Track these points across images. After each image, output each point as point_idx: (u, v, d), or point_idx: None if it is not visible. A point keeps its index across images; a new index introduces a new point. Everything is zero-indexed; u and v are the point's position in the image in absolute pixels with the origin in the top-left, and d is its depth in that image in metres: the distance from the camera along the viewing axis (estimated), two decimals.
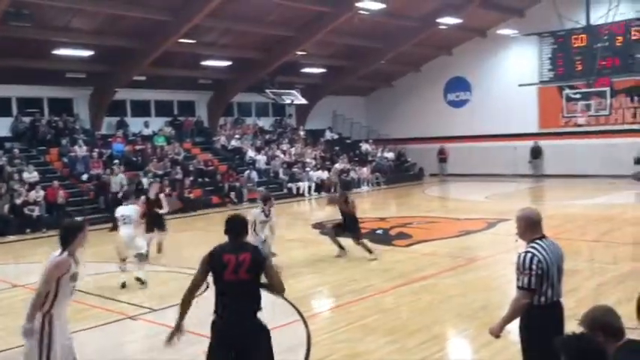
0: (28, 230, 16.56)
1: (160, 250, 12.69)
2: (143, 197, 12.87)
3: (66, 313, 4.79)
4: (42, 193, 17.72)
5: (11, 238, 15.93)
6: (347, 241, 11.54)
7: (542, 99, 27.30)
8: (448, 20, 24.32)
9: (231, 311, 4.37)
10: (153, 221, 12.37)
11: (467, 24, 25.87)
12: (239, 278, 4.34)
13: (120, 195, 13.58)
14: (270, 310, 7.90)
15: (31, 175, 18.61)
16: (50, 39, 19.36)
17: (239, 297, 4.37)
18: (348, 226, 11.50)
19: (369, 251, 11.23)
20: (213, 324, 4.44)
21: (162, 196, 13.09)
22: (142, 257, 9.93)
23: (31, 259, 12.43)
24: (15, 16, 16.59)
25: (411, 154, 31.60)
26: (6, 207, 16.71)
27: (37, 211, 17.15)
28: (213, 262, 4.44)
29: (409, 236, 13.82)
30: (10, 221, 16.59)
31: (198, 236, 15.99)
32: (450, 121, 30.45)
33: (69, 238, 4.76)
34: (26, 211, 16.96)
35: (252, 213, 10.03)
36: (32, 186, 17.92)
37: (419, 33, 26.28)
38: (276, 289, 4.59)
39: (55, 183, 18.43)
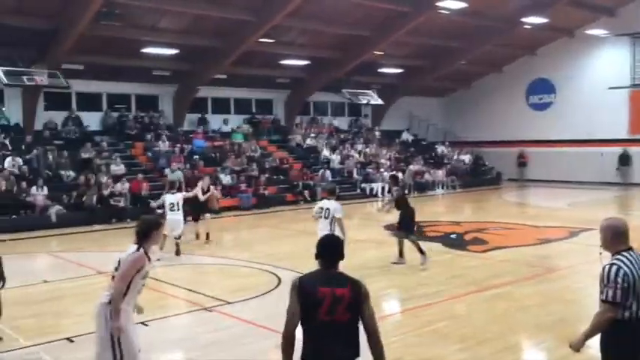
0: (113, 220, 17.40)
1: (203, 237, 13.85)
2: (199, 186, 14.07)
3: (131, 309, 4.92)
4: (127, 185, 18.57)
5: (97, 227, 16.78)
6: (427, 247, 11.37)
7: (633, 103, 25.90)
8: (533, 20, 23.51)
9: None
10: (194, 210, 14.02)
11: (553, 23, 24.88)
12: (335, 319, 3.60)
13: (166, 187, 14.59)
14: None
15: (118, 167, 19.56)
16: (139, 38, 20.26)
17: (335, 341, 3.60)
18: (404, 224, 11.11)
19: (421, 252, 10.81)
20: None
21: (213, 190, 14.69)
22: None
23: (116, 248, 12.97)
24: (107, 15, 17.47)
25: (488, 157, 30.78)
26: (94, 197, 17.63)
27: (122, 203, 18.01)
28: (303, 296, 3.63)
29: (484, 242, 13.46)
30: (96, 211, 17.48)
31: (271, 233, 16.27)
32: (532, 125, 29.42)
33: (145, 234, 4.88)
34: (112, 201, 17.84)
35: (331, 206, 9.49)
36: (118, 178, 18.81)
37: (502, 33, 25.56)
38: (370, 329, 3.71)
39: (140, 176, 19.28)
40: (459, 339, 6.86)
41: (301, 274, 3.78)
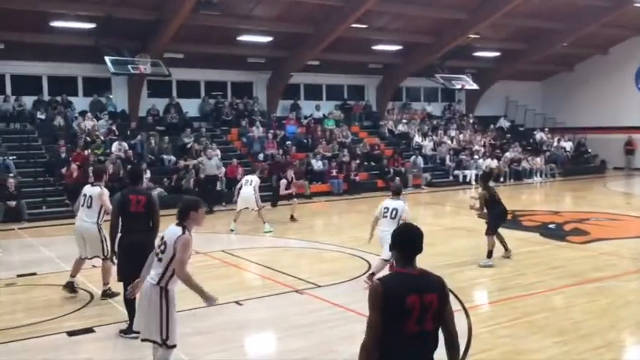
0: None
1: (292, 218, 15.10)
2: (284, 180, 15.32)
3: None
4: (223, 169, 19.23)
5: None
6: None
7: None
8: None
9: None
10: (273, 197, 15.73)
11: None
12: (424, 329, 3.19)
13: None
14: None
15: (215, 152, 20.26)
16: (235, 26, 20.83)
17: (424, 353, 3.25)
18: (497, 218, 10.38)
19: (505, 248, 10.42)
20: None
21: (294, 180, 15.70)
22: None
23: (211, 230, 13.56)
24: (205, 5, 18.11)
25: (591, 144, 29.11)
26: (191, 181, 18.40)
27: (218, 186, 18.68)
28: (389, 306, 3.15)
29: (586, 233, 12.80)
30: (194, 194, 18.25)
31: (361, 218, 16.27)
32: None
33: (185, 215, 5.01)
34: (209, 185, 18.54)
35: (399, 205, 8.73)
36: None
37: (608, 13, 23.98)
38: (452, 332, 3.34)
39: (235, 161, 19.89)
40: (556, 332, 6.59)
41: (381, 278, 3.34)
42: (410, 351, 3.16)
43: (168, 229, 5.06)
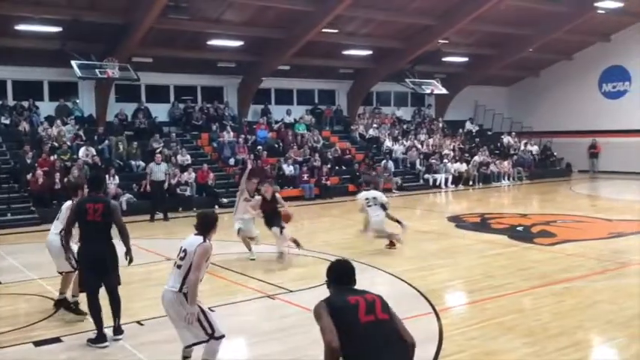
0: (180, 209, 17.91)
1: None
2: (259, 197, 11.23)
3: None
4: (193, 175, 19.07)
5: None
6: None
7: None
8: (607, 4, 22.42)
9: None
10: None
11: (629, 8, 23.64)
12: (377, 319, 3.60)
13: None
14: (401, 301, 7.91)
15: (184, 157, 20.09)
16: (205, 30, 20.71)
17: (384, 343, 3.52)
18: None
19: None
20: None
21: (278, 195, 11.49)
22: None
23: (182, 236, 13.37)
24: (174, 9, 17.97)
25: (557, 148, 29.70)
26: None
27: (188, 192, 18.52)
28: (335, 309, 3.61)
29: (553, 235, 13.03)
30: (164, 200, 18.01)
31: (333, 223, 16.33)
32: (605, 114, 28.20)
33: (209, 227, 5.44)
34: (179, 190, 18.36)
35: (377, 194, 11.42)
36: (185, 168, 19.34)
37: (573, 19, 24.55)
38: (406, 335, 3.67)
39: (205, 166, 19.74)
40: (525, 333, 6.68)
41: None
42: (370, 337, 3.46)
43: (188, 239, 5.43)
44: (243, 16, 20.78)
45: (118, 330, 6.66)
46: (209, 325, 5.25)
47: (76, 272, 7.38)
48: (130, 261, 6.75)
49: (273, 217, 10.66)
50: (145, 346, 6.54)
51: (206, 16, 20.06)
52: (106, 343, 6.46)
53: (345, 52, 24.64)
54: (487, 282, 9.05)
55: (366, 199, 11.37)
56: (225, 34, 21.20)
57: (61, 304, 7.68)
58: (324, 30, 21.36)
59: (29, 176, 16.85)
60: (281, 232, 10.52)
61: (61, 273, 7.70)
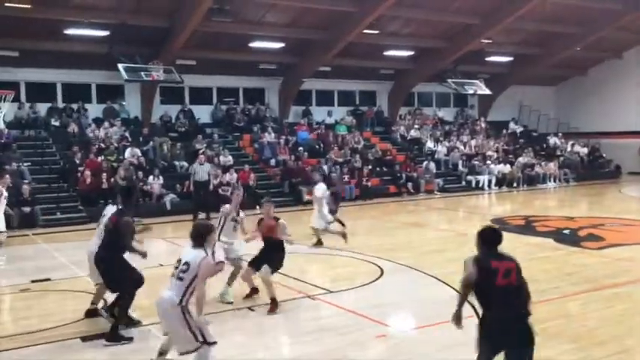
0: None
1: None
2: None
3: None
4: (235, 175, 19.27)
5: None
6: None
7: None
8: None
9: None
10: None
11: None
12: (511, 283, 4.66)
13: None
14: (443, 304, 7.80)
15: (227, 158, 20.33)
16: (247, 32, 20.91)
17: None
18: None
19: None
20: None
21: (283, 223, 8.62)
22: None
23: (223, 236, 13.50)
24: (218, 11, 18.21)
25: (606, 149, 28.83)
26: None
27: (229, 192, 18.68)
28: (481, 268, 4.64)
29: (601, 238, 12.66)
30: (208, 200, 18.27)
31: (373, 224, 16.25)
32: None
33: (205, 238, 5.45)
34: (221, 191, 18.55)
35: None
36: (227, 169, 19.56)
37: (622, 16, 23.81)
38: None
39: (247, 167, 19.93)
40: (571, 339, 6.51)
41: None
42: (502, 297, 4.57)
43: (188, 251, 5.41)
44: (284, 18, 20.92)
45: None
46: (201, 334, 5.20)
47: None
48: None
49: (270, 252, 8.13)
50: None
51: (248, 18, 20.27)
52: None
53: (386, 53, 24.51)
54: (532, 286, 8.67)
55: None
56: (267, 35, 21.38)
57: (91, 314, 7.64)
58: (365, 31, 21.29)
59: (77, 176, 17.35)
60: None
61: (96, 285, 7.71)
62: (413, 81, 27.09)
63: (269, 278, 7.76)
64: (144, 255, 7.21)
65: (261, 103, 24.77)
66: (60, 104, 21.19)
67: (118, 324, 6.83)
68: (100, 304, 7.71)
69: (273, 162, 21.36)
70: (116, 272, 6.98)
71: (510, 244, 11.37)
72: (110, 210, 7.70)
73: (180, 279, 5.26)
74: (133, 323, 7.18)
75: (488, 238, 4.85)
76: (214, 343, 5.29)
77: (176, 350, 5.44)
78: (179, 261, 5.38)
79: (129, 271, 7.03)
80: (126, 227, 7.01)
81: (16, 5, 16.67)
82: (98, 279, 7.45)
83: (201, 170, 17.65)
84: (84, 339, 6.81)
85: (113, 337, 6.70)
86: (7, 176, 11.79)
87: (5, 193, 10.98)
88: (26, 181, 16.76)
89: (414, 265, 10.22)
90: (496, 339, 4.53)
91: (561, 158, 27.21)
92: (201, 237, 5.43)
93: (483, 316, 4.67)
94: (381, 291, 8.79)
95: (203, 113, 23.43)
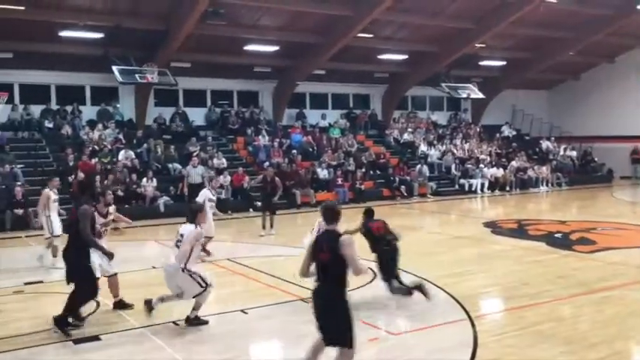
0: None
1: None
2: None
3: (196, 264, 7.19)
4: (229, 178, 19.28)
5: None
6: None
7: None
8: None
9: None
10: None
11: None
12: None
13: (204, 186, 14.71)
14: (436, 306, 7.84)
15: (220, 161, 20.34)
16: (241, 36, 20.94)
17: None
18: None
19: None
20: None
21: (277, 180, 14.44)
22: None
23: (218, 237, 13.55)
24: (213, 14, 18.23)
25: (598, 153, 29.01)
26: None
27: (223, 194, 18.69)
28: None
29: (592, 242, 12.73)
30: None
31: None
32: None
33: (195, 216, 7.24)
34: (194, 194, 18.50)
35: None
36: (221, 171, 19.56)
37: (615, 21, 24.00)
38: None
39: (240, 169, 19.93)
40: (563, 342, 6.55)
41: None
42: None
43: (184, 227, 7.21)
44: (279, 21, 20.96)
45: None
46: (202, 280, 7.03)
47: (116, 275, 7.94)
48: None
49: None
50: (182, 346, 6.65)
51: (243, 21, 20.30)
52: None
53: (380, 57, 24.59)
54: (524, 289, 8.90)
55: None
56: (262, 39, 21.41)
57: (119, 305, 8.01)
58: (359, 35, 21.36)
59: (71, 178, 17.30)
60: None
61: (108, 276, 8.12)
62: (407, 84, 27.18)
63: None
64: (110, 255, 7.48)
65: (255, 105, 24.79)
66: (54, 106, 21.15)
67: (68, 313, 7.09)
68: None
69: (267, 164, 21.31)
70: (81, 265, 7.15)
71: (502, 248, 11.46)
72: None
73: (178, 247, 7.04)
74: (72, 325, 7.23)
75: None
76: (209, 285, 7.08)
77: (185, 298, 7.12)
78: (178, 233, 7.19)
79: (91, 273, 7.26)
80: (82, 215, 7.15)
81: (10, 7, 16.63)
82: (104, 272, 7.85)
83: (195, 173, 17.63)
84: (76, 342, 6.80)
85: (61, 322, 7.00)
86: (57, 179, 11.87)
87: (55, 196, 11.01)
88: (19, 182, 16.71)
89: (407, 268, 10.24)
90: None
91: (554, 162, 27.35)
92: (193, 215, 7.24)
93: None
94: (373, 294, 8.80)
95: (197, 116, 23.43)
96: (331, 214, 5.27)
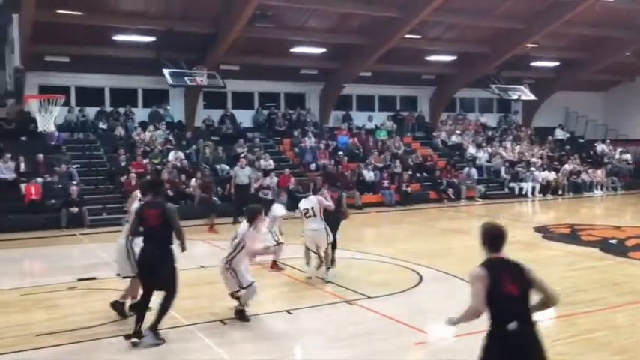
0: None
1: None
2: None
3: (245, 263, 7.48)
4: (275, 179, 19.42)
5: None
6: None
7: None
8: None
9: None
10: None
11: None
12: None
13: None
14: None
15: (267, 162, 20.51)
16: (289, 38, 21.09)
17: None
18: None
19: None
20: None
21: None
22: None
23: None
24: (260, 17, 18.44)
25: None
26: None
27: (269, 196, 18.82)
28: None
29: None
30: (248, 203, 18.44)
31: (413, 230, 16.14)
32: None
33: (252, 219, 7.41)
34: (260, 194, 18.72)
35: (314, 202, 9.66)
36: (267, 173, 19.73)
37: None
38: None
39: (287, 171, 20.06)
40: (617, 350, 6.32)
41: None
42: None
43: (241, 226, 7.56)
44: (326, 24, 21.01)
45: (137, 334, 6.67)
46: (242, 282, 7.31)
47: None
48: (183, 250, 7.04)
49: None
50: (228, 345, 6.73)
51: (290, 24, 20.44)
52: (135, 340, 6.63)
53: (428, 58, 24.33)
54: (577, 296, 8.62)
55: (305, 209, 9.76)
56: (309, 41, 21.51)
57: (132, 308, 7.59)
58: (406, 36, 21.19)
59: (123, 178, 17.78)
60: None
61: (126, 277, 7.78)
62: (455, 86, 26.80)
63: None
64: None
65: (302, 107, 24.92)
66: (108, 108, 21.81)
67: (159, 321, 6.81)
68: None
69: (313, 166, 21.44)
70: (174, 268, 6.88)
71: (555, 253, 11.13)
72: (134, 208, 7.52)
73: (232, 244, 7.41)
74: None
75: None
76: (251, 283, 7.34)
77: (230, 291, 7.53)
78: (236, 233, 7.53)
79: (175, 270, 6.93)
80: (174, 212, 6.96)
81: (69, 12, 17.24)
82: (124, 272, 7.69)
83: (242, 174, 17.85)
84: (127, 337, 6.95)
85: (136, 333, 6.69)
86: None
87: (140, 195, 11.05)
88: (75, 182, 17.29)
89: (454, 272, 10.09)
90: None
91: (609, 166, 26.46)
92: (251, 215, 7.47)
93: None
94: (420, 298, 8.71)
95: (245, 117, 23.72)
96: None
